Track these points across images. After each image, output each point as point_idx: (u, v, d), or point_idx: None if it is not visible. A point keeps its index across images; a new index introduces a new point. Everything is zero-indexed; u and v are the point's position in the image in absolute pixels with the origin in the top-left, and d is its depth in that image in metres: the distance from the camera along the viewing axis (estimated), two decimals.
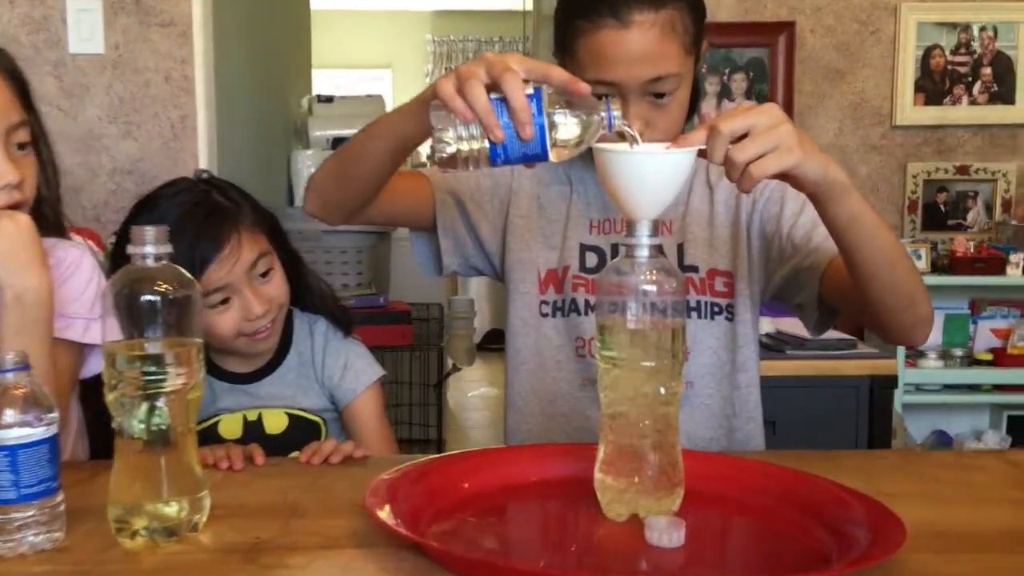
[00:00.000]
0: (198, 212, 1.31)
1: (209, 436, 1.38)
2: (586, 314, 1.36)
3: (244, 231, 1.33)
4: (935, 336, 2.94)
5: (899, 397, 2.59)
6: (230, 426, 1.40)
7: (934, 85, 3.05)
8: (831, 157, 1.02)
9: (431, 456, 1.09)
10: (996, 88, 3.05)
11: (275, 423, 1.41)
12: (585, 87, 0.93)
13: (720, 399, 1.39)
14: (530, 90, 0.92)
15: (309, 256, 3.12)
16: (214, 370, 1.41)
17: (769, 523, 0.95)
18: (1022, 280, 2.82)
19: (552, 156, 0.94)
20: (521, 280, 1.41)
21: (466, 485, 1.02)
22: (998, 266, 2.81)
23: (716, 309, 1.37)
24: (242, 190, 1.40)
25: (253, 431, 1.40)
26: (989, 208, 3.09)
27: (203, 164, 2.71)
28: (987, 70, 3.04)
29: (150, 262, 0.91)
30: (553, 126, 0.93)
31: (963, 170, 3.06)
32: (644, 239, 0.93)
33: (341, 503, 1.02)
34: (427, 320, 3.49)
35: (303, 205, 1.29)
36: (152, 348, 0.90)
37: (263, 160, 3.65)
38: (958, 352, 2.92)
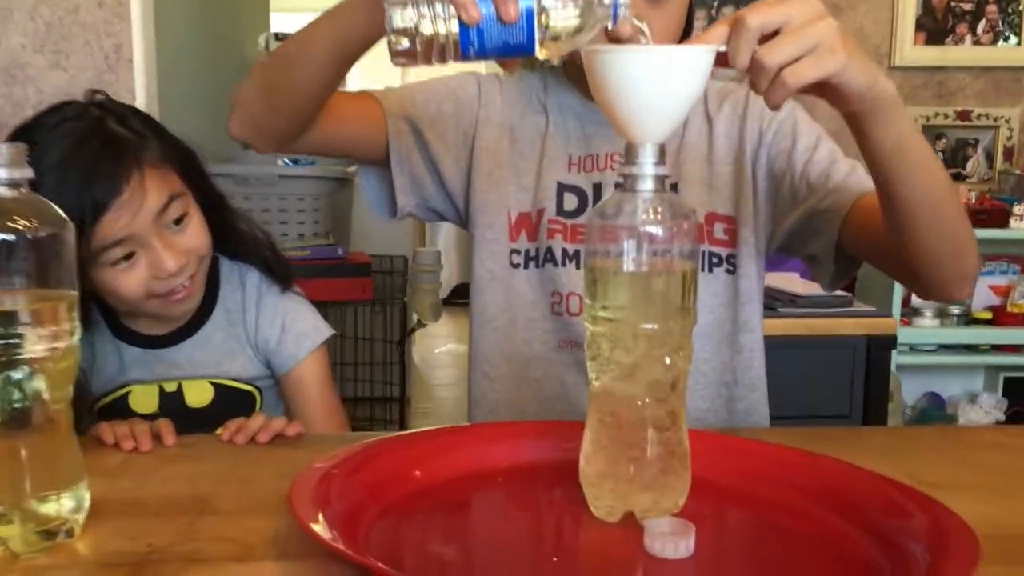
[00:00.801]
0: (90, 145, 1.05)
1: (118, 411, 1.16)
2: (563, 265, 1.18)
3: (149, 168, 1.08)
4: None
5: (893, 357, 2.42)
6: (143, 399, 1.18)
7: (935, 23, 2.85)
8: (877, 64, 0.82)
9: (375, 436, 0.88)
10: (1001, 27, 2.85)
11: (198, 395, 1.20)
12: None
13: (718, 364, 1.21)
14: None
15: (262, 203, 2.93)
16: (122, 333, 1.19)
17: (800, 527, 0.76)
18: None
19: (539, 51, 0.74)
20: (488, 225, 1.20)
21: (418, 474, 0.82)
22: (1001, 218, 2.63)
23: (715, 260, 1.19)
24: (148, 117, 1.15)
25: (172, 405, 1.18)
26: (990, 156, 2.91)
27: (140, 100, 2.46)
28: (992, 7, 2.84)
29: (2, 191, 0.69)
30: (543, 11, 0.72)
31: (964, 115, 2.88)
32: (648, 167, 0.73)
33: (264, 496, 0.82)
34: (390, 273, 3.27)
35: (228, 125, 1.06)
36: (7, 303, 0.69)
37: (213, 99, 3.39)
38: (955, 310, 2.75)
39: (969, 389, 2.92)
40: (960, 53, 2.88)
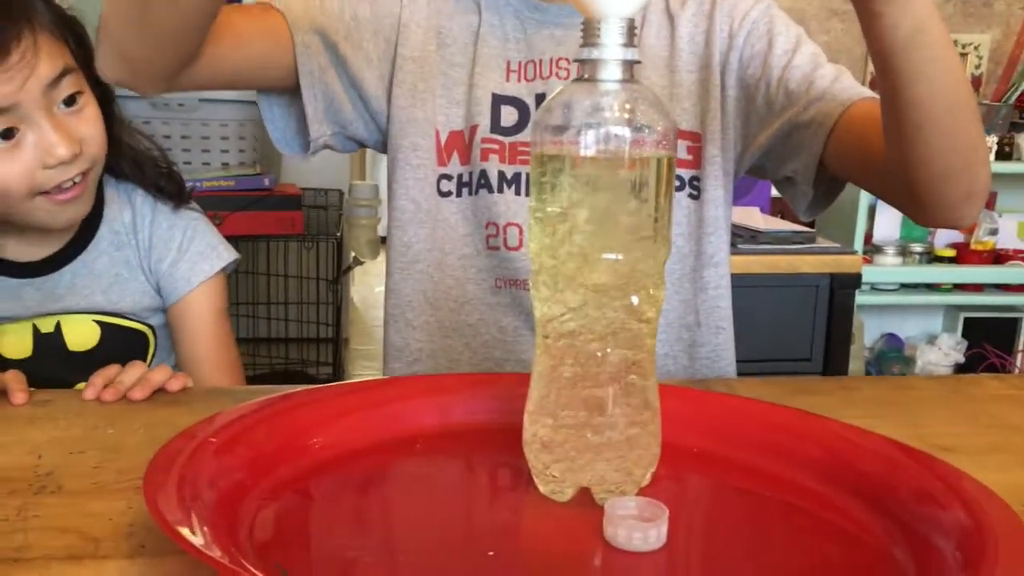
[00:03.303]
0: None
1: None
2: (500, 191, 1.01)
3: (42, 34, 0.90)
4: (891, 230, 2.64)
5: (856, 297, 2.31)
6: (15, 341, 1.00)
7: None
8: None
9: (270, 391, 0.71)
10: None
11: (81, 336, 1.01)
12: None
13: (679, 303, 1.06)
14: None
15: (183, 130, 2.71)
16: None
17: (798, 508, 0.61)
18: (993, 167, 2.53)
19: None
20: (412, 148, 1.02)
21: (316, 443, 0.65)
22: None
23: (677, 183, 1.03)
24: None
25: (49, 347, 1.00)
26: None
27: None
28: None
29: None
30: None
31: None
32: (614, 48, 0.56)
33: (127, 470, 0.66)
34: (324, 208, 3.07)
35: (97, 66, 0.86)
36: None
37: None
38: (917, 248, 2.63)
39: (928, 330, 2.82)
40: None
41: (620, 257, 0.58)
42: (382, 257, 3.96)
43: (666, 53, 1.04)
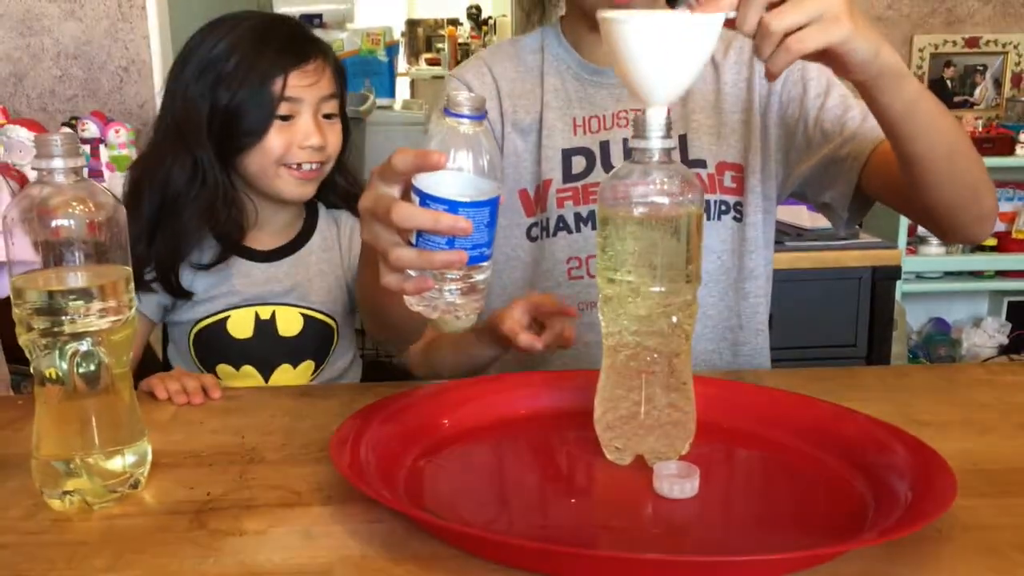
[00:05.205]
0: (283, 26, 1.24)
1: (216, 334, 1.26)
2: (578, 230, 1.21)
3: (329, 64, 1.25)
4: None
5: (898, 286, 2.48)
6: (240, 324, 1.28)
7: None
8: (882, 35, 0.85)
9: (405, 387, 0.95)
10: None
11: (289, 324, 1.29)
12: (437, 157, 0.75)
13: (724, 309, 1.25)
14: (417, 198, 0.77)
15: None
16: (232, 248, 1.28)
17: (795, 467, 0.83)
18: None
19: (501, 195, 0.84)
20: (501, 213, 1.25)
21: (446, 422, 0.89)
22: (1007, 146, 2.65)
23: (723, 208, 1.22)
24: None
25: (265, 332, 1.28)
26: (998, 83, 2.91)
27: (155, 49, 2.50)
28: None
29: (60, 178, 0.75)
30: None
31: (972, 42, 2.87)
32: (655, 140, 0.78)
33: (306, 445, 0.90)
34: None
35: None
36: (73, 281, 0.76)
37: None
38: None
39: (974, 314, 2.97)
40: None
41: (663, 289, 0.80)
42: None
43: (712, 97, 1.22)
